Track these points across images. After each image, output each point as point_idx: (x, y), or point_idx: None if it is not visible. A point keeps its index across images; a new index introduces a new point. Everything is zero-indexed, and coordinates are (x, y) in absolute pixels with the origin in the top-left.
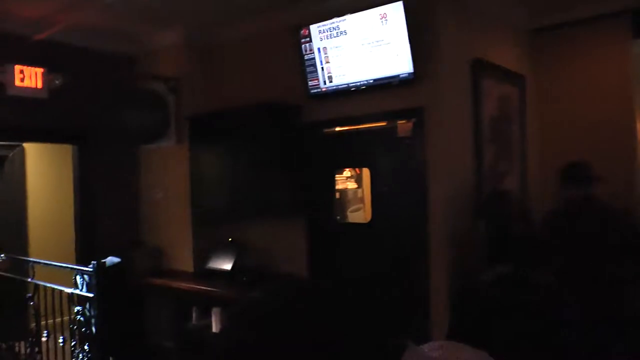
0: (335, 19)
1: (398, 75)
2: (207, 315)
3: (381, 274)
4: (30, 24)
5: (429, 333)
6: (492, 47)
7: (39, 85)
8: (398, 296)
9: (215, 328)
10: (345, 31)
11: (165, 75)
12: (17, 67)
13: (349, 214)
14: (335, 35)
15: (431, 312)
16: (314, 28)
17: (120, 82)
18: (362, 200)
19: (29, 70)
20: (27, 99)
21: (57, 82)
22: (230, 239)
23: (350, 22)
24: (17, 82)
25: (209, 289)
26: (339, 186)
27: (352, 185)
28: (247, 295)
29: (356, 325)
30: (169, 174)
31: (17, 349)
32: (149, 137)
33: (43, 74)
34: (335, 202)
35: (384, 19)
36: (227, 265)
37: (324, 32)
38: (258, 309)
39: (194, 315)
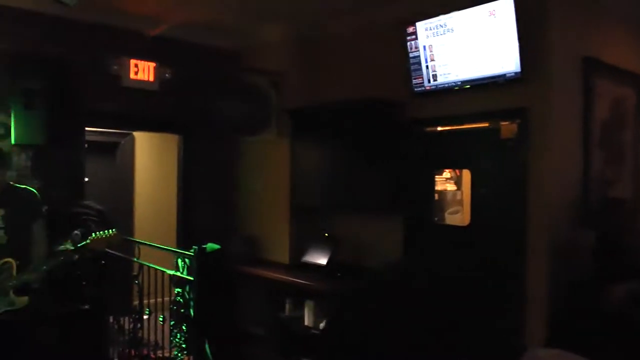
0: (442, 16)
1: (504, 74)
2: (299, 307)
3: (477, 279)
4: (145, 21)
5: (524, 339)
6: (606, 44)
7: (151, 78)
8: (493, 302)
9: (307, 321)
10: (452, 28)
11: (269, 69)
12: (132, 61)
13: (446, 215)
14: (441, 32)
15: (527, 319)
16: (420, 25)
17: (225, 75)
18: (460, 202)
19: (143, 64)
20: (139, 90)
21: (167, 75)
22: (326, 234)
23: (457, 19)
24: (132, 75)
25: (303, 281)
26: (437, 187)
27: (451, 186)
28: (348, 288)
29: (452, 324)
30: (269, 166)
31: (121, 322)
32: (251, 129)
33: (155, 67)
34: (434, 203)
35: (492, 15)
36: (323, 260)
37: (430, 29)
38: (359, 302)
39: (286, 306)
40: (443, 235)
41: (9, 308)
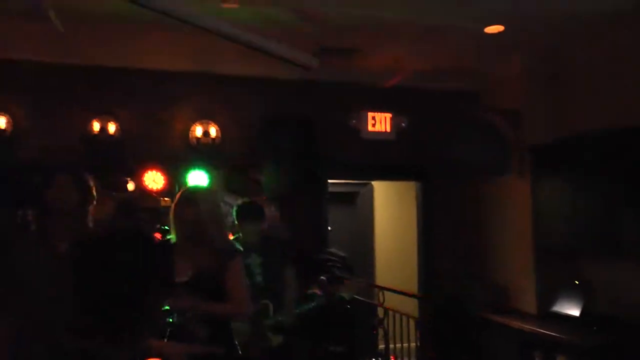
0: None
1: None
2: None
3: None
4: (380, 74)
5: None
6: None
7: (388, 128)
8: None
9: None
10: None
11: (506, 107)
12: (370, 114)
13: None
14: None
15: None
16: None
17: (460, 118)
18: None
19: (379, 116)
20: (376, 141)
21: (403, 124)
22: (576, 281)
23: None
24: (369, 127)
25: (553, 334)
26: None
27: None
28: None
29: None
30: (510, 207)
31: None
32: (491, 170)
33: (391, 117)
34: None
35: None
36: (575, 311)
37: None
38: None
39: (535, 359)
40: None
41: (265, 345)
